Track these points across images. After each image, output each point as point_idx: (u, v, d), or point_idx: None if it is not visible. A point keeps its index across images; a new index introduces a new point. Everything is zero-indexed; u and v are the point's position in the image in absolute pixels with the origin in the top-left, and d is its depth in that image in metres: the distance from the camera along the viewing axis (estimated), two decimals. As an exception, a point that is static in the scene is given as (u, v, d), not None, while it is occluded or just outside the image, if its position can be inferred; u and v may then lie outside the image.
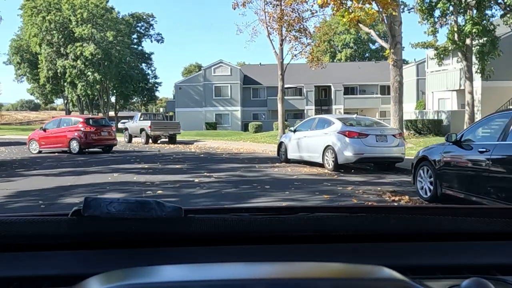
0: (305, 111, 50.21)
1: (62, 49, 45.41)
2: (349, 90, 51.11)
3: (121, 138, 27.98)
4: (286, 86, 51.01)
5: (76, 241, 1.12)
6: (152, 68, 58.41)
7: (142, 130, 25.70)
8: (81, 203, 1.02)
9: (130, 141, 27.63)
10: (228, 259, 1.08)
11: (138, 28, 56.07)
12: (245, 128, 47.44)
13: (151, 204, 1.07)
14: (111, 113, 52.15)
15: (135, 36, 54.32)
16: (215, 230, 1.15)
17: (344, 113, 49.08)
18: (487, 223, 1.21)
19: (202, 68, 47.64)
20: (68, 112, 70.59)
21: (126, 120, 33.63)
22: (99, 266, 1.01)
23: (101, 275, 0.83)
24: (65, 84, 47.18)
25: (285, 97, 52.40)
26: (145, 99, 59.46)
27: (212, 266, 0.95)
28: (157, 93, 62.08)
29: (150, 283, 0.77)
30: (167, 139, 26.49)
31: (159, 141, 27.03)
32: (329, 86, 51.55)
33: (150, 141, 25.99)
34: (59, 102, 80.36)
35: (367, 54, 72.65)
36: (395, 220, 1.23)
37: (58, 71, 45.65)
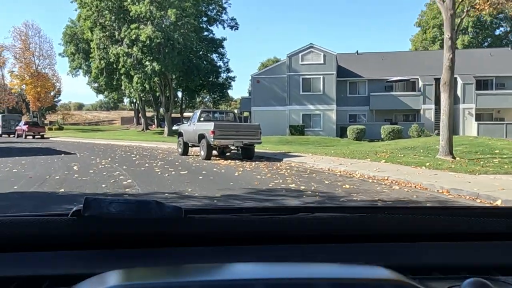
0: (422, 111, 39.25)
1: (116, 33, 38.31)
2: (481, 84, 39.25)
3: (175, 146, 22.24)
4: (395, 78, 41.04)
5: (76, 241, 1.14)
6: (225, 60, 50.12)
7: (201, 136, 16.91)
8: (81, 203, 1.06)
9: (185, 152, 19.12)
10: (228, 259, 1.11)
11: (208, 12, 47.95)
12: (341, 132, 37.46)
13: (151, 204, 1.11)
14: (170, 114, 44.11)
15: (204, 19, 46.08)
16: (215, 230, 1.20)
17: (477, 114, 37.64)
18: (487, 223, 1.26)
19: (286, 55, 38.16)
20: (137, 112, 65.61)
21: (182, 122, 24.93)
22: (99, 266, 1.03)
23: (101, 275, 0.87)
24: (121, 77, 40.11)
25: (393, 93, 42.38)
26: (215, 96, 51.34)
27: (212, 266, 0.99)
28: (229, 91, 53.59)
29: (150, 283, 0.79)
30: (238, 151, 17.41)
31: (227, 153, 18.05)
32: (455, 78, 39.92)
33: (214, 153, 17.41)
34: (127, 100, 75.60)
35: (485, 43, 59.71)
36: (395, 220, 1.28)
37: (111, 60, 38.61)
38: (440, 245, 1.23)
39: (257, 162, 15.85)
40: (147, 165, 14.37)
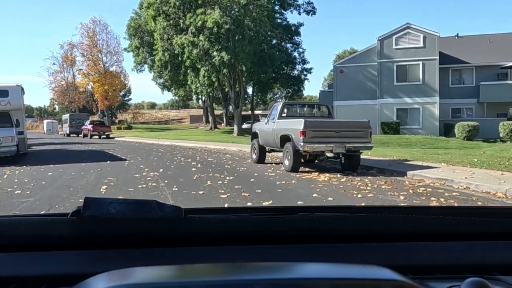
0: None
1: (180, 21, 34.66)
2: None
3: (246, 148, 18.77)
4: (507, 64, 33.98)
5: (76, 241, 1.16)
6: (300, 50, 45.09)
7: (285, 138, 12.22)
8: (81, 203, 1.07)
9: (261, 159, 14.62)
10: (228, 259, 1.13)
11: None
12: (445, 130, 31.22)
13: (151, 204, 1.12)
14: (239, 111, 39.76)
15: (277, 3, 41.27)
16: (215, 230, 1.22)
17: None
18: (487, 223, 1.28)
19: (377, 39, 32.45)
20: (205, 110, 62.67)
21: (253, 120, 20.33)
22: (99, 266, 1.04)
23: (101, 275, 0.88)
24: (187, 70, 36.50)
25: (509, 82, 35.17)
26: (290, 90, 46.48)
27: (212, 266, 1.02)
28: (304, 85, 48.42)
29: (150, 283, 0.80)
30: (336, 158, 12.53)
31: (320, 161, 13.21)
32: None
33: (301, 161, 12.70)
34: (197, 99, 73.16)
35: None
36: (395, 220, 1.30)
37: (176, 52, 35.04)
38: (440, 245, 1.22)
39: (369, 178, 10.83)
40: (209, 182, 9.90)
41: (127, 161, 16.25)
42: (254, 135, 15.14)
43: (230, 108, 45.62)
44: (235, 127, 38.15)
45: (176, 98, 76.90)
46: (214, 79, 34.78)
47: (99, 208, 1.08)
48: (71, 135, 49.29)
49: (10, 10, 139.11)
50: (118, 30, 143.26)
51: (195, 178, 10.88)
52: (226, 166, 13.87)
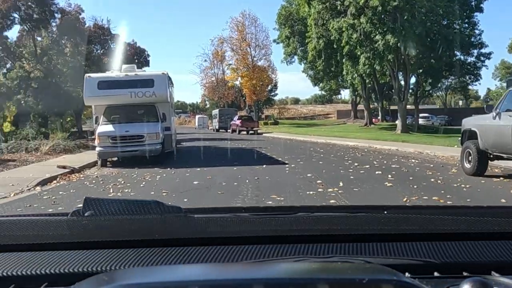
0: None
1: (338, 3, 30.74)
2: None
3: (428, 149, 15.62)
4: None
5: (76, 241, 1.17)
6: (476, 31, 37.73)
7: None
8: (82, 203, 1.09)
9: (481, 169, 10.37)
10: (228, 259, 1.13)
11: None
12: None
13: (151, 204, 1.15)
14: (404, 104, 34.23)
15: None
16: (215, 230, 1.24)
17: None
18: (487, 223, 1.29)
19: None
20: (354, 105, 58.21)
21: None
22: (99, 266, 1.07)
23: (101, 275, 0.90)
24: (342, 59, 32.51)
25: None
26: (465, 80, 39.37)
27: (212, 266, 1.05)
28: (480, 73, 40.67)
29: (150, 283, 0.81)
30: None
31: None
32: None
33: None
34: (346, 93, 69.01)
35: None
36: (395, 220, 1.30)
37: (332, 38, 31.24)
38: (440, 245, 1.23)
39: None
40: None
41: (286, 165, 13.02)
42: (468, 135, 10.59)
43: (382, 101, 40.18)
44: (399, 123, 33.03)
45: (322, 92, 73.51)
46: (377, 67, 30.19)
47: (99, 208, 1.11)
48: (220, 130, 49.05)
49: (170, 12, 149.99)
50: (268, 22, 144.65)
51: (405, 200, 7.00)
52: (431, 180, 9.64)
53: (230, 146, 22.24)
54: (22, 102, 25.15)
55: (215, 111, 54.74)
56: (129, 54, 32.49)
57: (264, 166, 12.76)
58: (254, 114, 57.34)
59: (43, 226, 1.20)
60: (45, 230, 1.19)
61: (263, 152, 18.51)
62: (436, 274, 1.11)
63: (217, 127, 50.44)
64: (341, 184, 8.86)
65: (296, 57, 48.77)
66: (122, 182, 10.25)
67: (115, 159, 14.85)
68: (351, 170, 11.43)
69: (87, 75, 15.37)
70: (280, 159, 14.96)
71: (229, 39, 59.13)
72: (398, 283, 0.80)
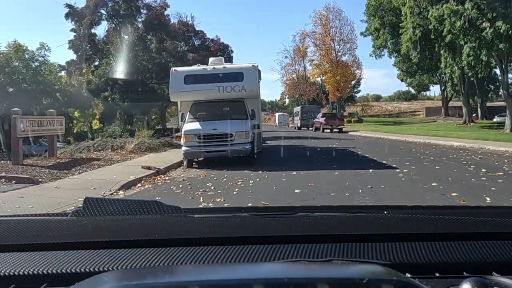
0: None
1: (438, -12, 27.85)
2: None
3: None
4: None
5: (76, 241, 1.17)
6: None
7: None
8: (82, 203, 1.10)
9: None
10: (228, 259, 1.13)
11: None
12: None
13: (151, 204, 1.17)
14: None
15: None
16: (215, 230, 1.23)
17: None
18: (487, 223, 1.29)
19: None
20: (445, 101, 54.02)
21: None
22: (99, 266, 1.07)
23: (101, 274, 0.90)
24: (441, 50, 29.48)
25: None
26: None
27: (212, 266, 1.06)
28: None
29: (149, 283, 0.82)
30: None
31: None
32: None
33: None
34: (436, 90, 64.48)
35: None
36: (395, 220, 1.32)
37: (430, 27, 28.36)
38: (439, 245, 1.22)
39: None
40: None
41: (397, 170, 11.10)
42: None
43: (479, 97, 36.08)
44: (508, 121, 29.37)
45: (410, 89, 69.13)
46: (483, 58, 26.87)
47: (99, 208, 1.13)
48: (302, 128, 47.51)
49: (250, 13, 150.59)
50: (353, 15, 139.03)
51: None
52: None
53: (319, 146, 20.60)
54: (109, 99, 25.33)
55: (297, 108, 53.31)
56: (212, 50, 31.88)
57: (371, 170, 10.96)
58: (337, 111, 55.14)
59: (43, 226, 1.21)
60: (45, 230, 1.19)
61: (359, 153, 16.65)
62: (436, 274, 1.10)
63: (299, 124, 49.01)
64: (488, 199, 6.90)
65: (386, 50, 45.75)
66: (212, 187, 8.99)
67: (202, 158, 13.78)
68: (484, 179, 9.31)
69: (173, 69, 14.42)
70: (384, 161, 13.04)
71: (312, 34, 57.43)
72: (398, 283, 0.80)
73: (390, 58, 45.65)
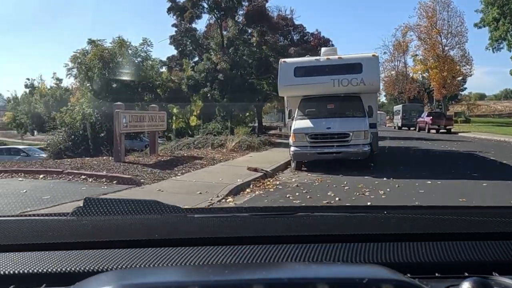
0: None
1: None
2: None
3: None
4: None
5: (76, 241, 1.16)
6: None
7: None
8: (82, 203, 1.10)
9: None
10: (228, 259, 1.13)
11: None
12: None
13: (151, 204, 1.17)
14: None
15: None
16: (215, 230, 1.23)
17: None
18: (487, 223, 1.30)
19: None
20: None
21: None
22: (99, 265, 1.07)
23: (101, 274, 0.90)
24: None
25: None
26: None
27: (212, 266, 1.05)
28: None
29: (150, 283, 0.82)
30: None
31: None
32: None
33: None
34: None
35: None
36: (395, 220, 1.32)
37: None
38: (440, 244, 1.21)
39: None
40: None
41: None
42: None
43: None
44: None
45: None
46: None
47: (99, 208, 1.12)
48: (403, 128, 44.31)
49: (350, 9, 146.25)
50: (463, 5, 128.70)
51: None
52: None
53: (435, 148, 18.24)
54: (208, 95, 24.79)
55: (398, 107, 49.97)
56: (312, 45, 30.32)
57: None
58: (443, 110, 50.89)
59: (43, 226, 1.21)
60: (45, 230, 1.19)
61: (492, 158, 14.16)
62: (436, 274, 1.09)
63: (399, 124, 45.73)
64: None
65: (504, 43, 40.96)
66: (337, 198, 7.45)
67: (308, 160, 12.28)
68: None
69: (282, 60, 13.03)
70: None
71: (416, 27, 53.29)
72: (398, 283, 0.80)
73: (510, 51, 40.71)
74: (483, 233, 1.26)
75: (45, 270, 1.07)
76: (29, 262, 1.09)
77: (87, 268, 1.06)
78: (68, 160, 13.10)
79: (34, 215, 1.32)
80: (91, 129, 21.63)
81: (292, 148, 11.70)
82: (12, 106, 49.32)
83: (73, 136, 21.73)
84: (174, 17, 27.41)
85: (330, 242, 1.20)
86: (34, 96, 43.07)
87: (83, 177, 9.00)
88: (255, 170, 10.86)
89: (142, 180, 8.89)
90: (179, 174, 10.13)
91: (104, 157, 13.33)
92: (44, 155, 22.98)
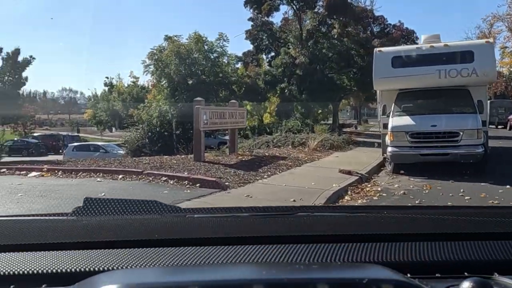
0: None
1: None
2: None
3: None
4: None
5: (76, 241, 1.17)
6: None
7: None
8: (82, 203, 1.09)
9: None
10: (228, 259, 1.12)
11: None
12: None
13: (151, 204, 1.17)
14: None
15: None
16: (215, 230, 1.24)
17: None
18: (487, 223, 1.29)
19: None
20: None
21: None
22: (99, 265, 1.06)
23: (101, 274, 0.90)
24: None
25: None
26: None
27: (212, 266, 1.05)
28: None
29: (150, 283, 0.82)
30: None
31: None
32: None
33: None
34: None
35: None
36: (395, 220, 1.32)
37: None
38: (440, 244, 1.21)
39: None
40: None
41: None
42: None
43: None
44: None
45: None
46: None
47: (99, 208, 1.13)
48: (490, 126, 40.70)
49: None
50: None
51: None
52: None
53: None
54: (286, 91, 23.75)
55: (486, 104, 46.16)
56: (394, 36, 28.35)
57: None
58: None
59: (43, 226, 1.21)
60: (45, 230, 1.19)
61: None
62: (436, 274, 1.09)
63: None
64: None
65: None
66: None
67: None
68: None
69: (377, 49, 11.63)
70: None
71: (506, 16, 49.08)
72: (398, 283, 0.81)
73: None
74: (483, 233, 1.25)
75: (45, 270, 1.06)
76: (29, 262, 1.09)
77: (87, 268, 1.05)
78: (147, 158, 12.60)
79: (34, 215, 1.30)
80: (167, 126, 21.42)
81: (390, 149, 10.31)
82: (92, 104, 51.21)
83: (150, 133, 21.70)
84: (251, 10, 26.64)
85: (330, 242, 1.19)
86: (112, 94, 44.32)
87: (163, 178, 8.25)
88: (349, 173, 9.63)
89: (226, 183, 7.97)
90: (265, 176, 9.12)
91: (183, 156, 12.67)
92: (121, 152, 23.13)
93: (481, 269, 1.08)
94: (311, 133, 17.30)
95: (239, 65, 26.60)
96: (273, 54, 27.38)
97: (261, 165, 10.63)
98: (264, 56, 27.47)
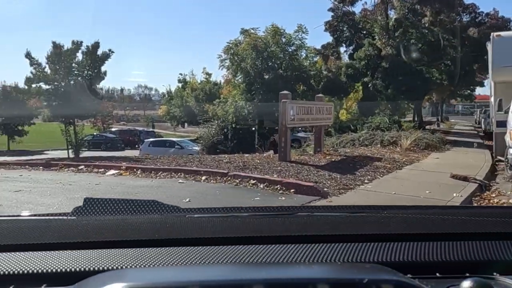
0: None
1: None
2: None
3: None
4: None
5: (76, 241, 1.16)
6: None
7: None
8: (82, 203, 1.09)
9: None
10: (228, 259, 1.12)
11: None
12: None
13: (151, 204, 1.17)
14: None
15: None
16: (215, 230, 1.23)
17: None
18: (487, 223, 1.28)
19: None
20: None
21: None
22: (99, 265, 1.06)
23: (101, 274, 0.90)
24: None
25: None
26: None
27: (212, 266, 1.05)
28: None
29: (150, 283, 0.82)
30: None
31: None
32: None
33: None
34: None
35: None
36: (395, 220, 1.30)
37: None
38: (439, 245, 1.20)
39: None
40: None
41: None
42: None
43: None
44: None
45: None
46: None
47: (99, 208, 1.12)
48: None
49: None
50: None
51: None
52: None
53: None
54: (369, 85, 22.15)
55: None
56: (488, 26, 25.74)
57: None
58: None
59: (43, 226, 1.21)
60: (45, 230, 1.19)
61: None
62: (437, 274, 1.08)
63: None
64: None
65: None
66: None
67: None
68: None
69: (494, 34, 9.99)
70: None
71: None
72: (398, 283, 0.80)
73: None
74: (483, 233, 1.24)
75: (45, 270, 1.06)
76: (29, 262, 1.09)
77: (87, 268, 1.05)
78: (226, 156, 11.80)
79: (34, 215, 1.30)
80: (243, 122, 20.70)
81: (511, 150, 8.72)
82: (166, 100, 52.04)
83: (225, 130, 21.11)
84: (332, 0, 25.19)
85: (330, 242, 1.19)
86: (185, 91, 44.63)
87: (252, 181, 7.30)
88: (465, 179, 8.16)
89: (325, 189, 6.86)
90: (365, 181, 7.90)
91: (265, 154, 11.73)
92: (196, 148, 22.76)
93: (481, 269, 1.07)
94: (401, 131, 15.73)
95: (317, 58, 25.25)
96: (354, 46, 25.75)
97: (355, 167, 9.41)
98: (344, 49, 25.99)
